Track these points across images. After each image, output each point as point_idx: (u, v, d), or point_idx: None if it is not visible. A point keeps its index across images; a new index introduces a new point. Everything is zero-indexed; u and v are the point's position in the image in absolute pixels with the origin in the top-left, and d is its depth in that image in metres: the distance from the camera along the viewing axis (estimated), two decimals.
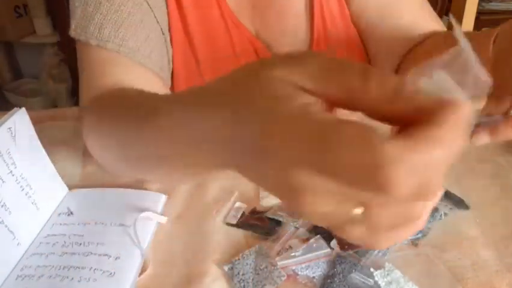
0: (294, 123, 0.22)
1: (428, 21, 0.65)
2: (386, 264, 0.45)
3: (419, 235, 0.50)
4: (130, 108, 0.42)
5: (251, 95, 0.25)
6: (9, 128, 0.48)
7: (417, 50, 0.63)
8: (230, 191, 0.55)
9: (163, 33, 0.59)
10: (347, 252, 0.46)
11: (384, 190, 0.20)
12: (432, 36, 0.63)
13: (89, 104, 0.52)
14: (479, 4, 1.17)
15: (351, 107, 0.23)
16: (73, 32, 0.54)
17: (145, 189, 0.55)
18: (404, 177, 0.20)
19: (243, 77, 0.26)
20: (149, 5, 0.56)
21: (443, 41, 0.60)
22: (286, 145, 0.22)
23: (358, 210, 0.23)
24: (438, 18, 0.67)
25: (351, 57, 0.70)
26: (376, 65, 0.72)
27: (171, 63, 0.62)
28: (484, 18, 1.59)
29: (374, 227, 0.23)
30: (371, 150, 0.20)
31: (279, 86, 0.23)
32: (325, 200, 0.22)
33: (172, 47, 0.62)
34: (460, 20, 1.15)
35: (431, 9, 0.67)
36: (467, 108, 0.21)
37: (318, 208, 0.23)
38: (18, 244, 0.48)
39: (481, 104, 0.38)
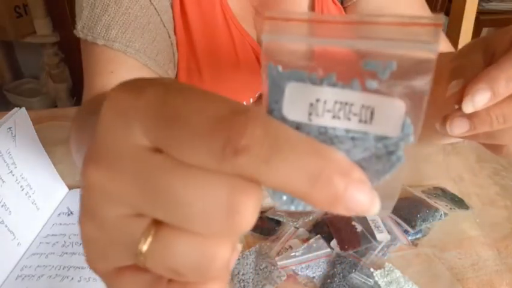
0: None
1: None
2: (386, 264, 0.45)
3: (419, 235, 0.50)
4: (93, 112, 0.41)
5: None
6: (9, 128, 0.48)
7: None
8: None
9: (170, 37, 0.59)
10: (347, 252, 0.46)
11: (233, 142, 0.14)
12: None
13: (84, 104, 0.52)
14: (479, 4, 1.17)
15: None
16: (79, 32, 0.54)
17: None
18: (259, 134, 0.14)
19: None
20: (156, 8, 0.56)
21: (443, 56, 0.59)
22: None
23: (145, 246, 0.16)
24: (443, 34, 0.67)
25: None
26: None
27: (176, 67, 0.62)
28: (484, 18, 1.59)
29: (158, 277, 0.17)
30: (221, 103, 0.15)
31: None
32: (115, 207, 0.16)
33: (177, 51, 0.62)
34: (459, 20, 1.15)
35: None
36: None
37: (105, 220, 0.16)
38: (18, 244, 0.48)
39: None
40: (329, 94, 0.15)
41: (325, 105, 0.15)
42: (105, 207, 0.16)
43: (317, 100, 0.15)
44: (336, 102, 0.15)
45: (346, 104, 0.15)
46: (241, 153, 0.14)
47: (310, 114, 0.16)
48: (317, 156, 0.14)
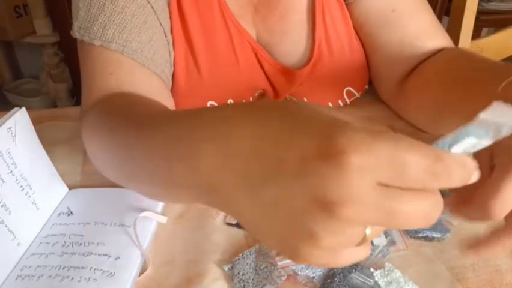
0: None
1: (436, 35, 0.64)
2: (386, 264, 0.45)
3: (447, 234, 0.49)
4: (131, 117, 0.42)
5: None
6: (9, 128, 0.48)
7: (426, 67, 0.61)
8: None
9: (166, 36, 0.59)
10: None
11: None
12: (442, 53, 0.61)
13: (90, 106, 0.51)
14: (479, 4, 1.17)
15: None
16: (76, 33, 0.54)
17: None
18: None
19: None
20: (152, 7, 0.56)
21: (456, 61, 0.58)
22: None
23: (368, 230, 0.25)
24: (444, 32, 0.65)
25: (352, 66, 0.70)
26: (378, 76, 0.71)
27: (173, 66, 0.62)
28: (484, 18, 1.59)
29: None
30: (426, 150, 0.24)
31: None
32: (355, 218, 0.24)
33: (174, 50, 0.62)
34: (459, 20, 1.15)
35: (437, 21, 0.65)
36: None
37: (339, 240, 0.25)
38: (18, 244, 0.48)
39: None
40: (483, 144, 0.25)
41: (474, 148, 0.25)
42: (351, 232, 0.25)
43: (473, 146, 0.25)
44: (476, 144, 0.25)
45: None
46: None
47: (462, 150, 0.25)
48: (464, 167, 0.24)
